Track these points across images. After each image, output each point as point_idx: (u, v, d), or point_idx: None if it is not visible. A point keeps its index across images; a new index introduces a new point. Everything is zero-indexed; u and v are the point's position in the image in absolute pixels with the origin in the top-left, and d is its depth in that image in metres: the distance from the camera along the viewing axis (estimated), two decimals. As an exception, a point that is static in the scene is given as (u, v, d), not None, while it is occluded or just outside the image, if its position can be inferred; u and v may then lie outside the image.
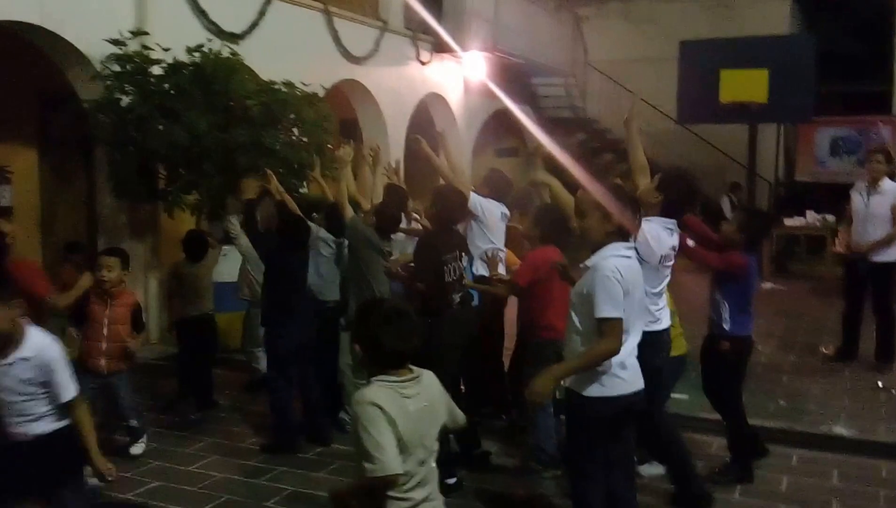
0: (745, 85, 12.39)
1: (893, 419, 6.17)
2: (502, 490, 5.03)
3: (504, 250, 6.35)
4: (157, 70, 7.58)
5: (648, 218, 4.41)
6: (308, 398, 5.93)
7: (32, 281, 5.04)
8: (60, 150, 9.62)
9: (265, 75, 8.77)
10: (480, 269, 5.96)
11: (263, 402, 6.22)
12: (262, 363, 6.70)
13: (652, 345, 4.18)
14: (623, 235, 3.64)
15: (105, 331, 5.35)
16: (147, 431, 5.75)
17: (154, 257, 8.53)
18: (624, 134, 5.14)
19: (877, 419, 6.20)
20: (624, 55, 16.62)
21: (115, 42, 7.49)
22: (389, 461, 2.60)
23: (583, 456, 3.76)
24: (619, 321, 3.49)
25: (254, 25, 9.36)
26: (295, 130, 7.93)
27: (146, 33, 7.81)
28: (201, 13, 8.69)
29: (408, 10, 12.67)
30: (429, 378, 2.86)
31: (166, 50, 7.64)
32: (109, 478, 3.77)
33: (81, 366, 5.09)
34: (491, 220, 6.17)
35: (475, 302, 5.48)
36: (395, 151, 12.49)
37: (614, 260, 3.55)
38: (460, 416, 3.03)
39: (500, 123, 15.29)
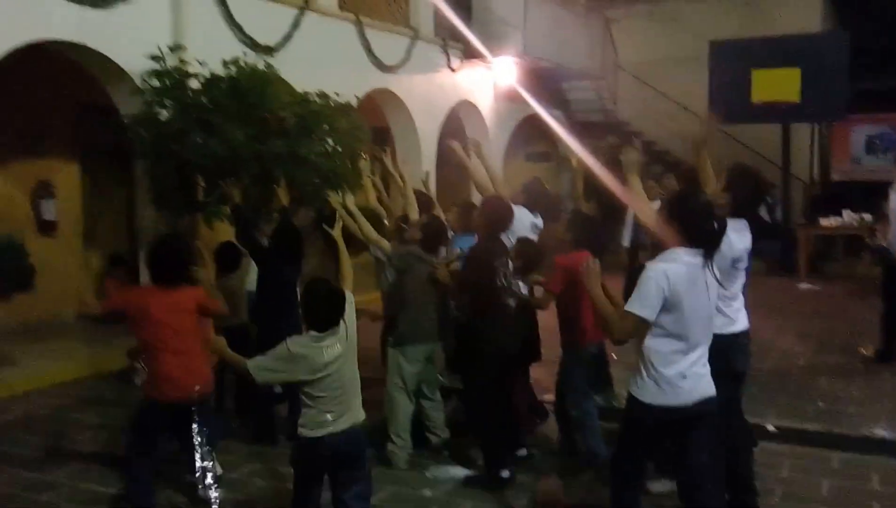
0: (777, 84, 12.37)
1: (935, 421, 6.12)
2: (550, 490, 5.05)
3: None
4: (194, 84, 7.75)
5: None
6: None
7: None
8: (101, 164, 9.85)
9: (299, 86, 8.93)
10: None
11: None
12: None
13: (729, 347, 4.18)
14: (690, 241, 3.66)
15: None
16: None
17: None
18: (687, 151, 5.12)
19: (918, 420, 6.15)
20: (654, 56, 16.58)
21: (154, 58, 7.66)
22: None
23: (631, 462, 3.80)
24: (635, 317, 3.55)
25: (287, 38, 9.53)
26: (329, 140, 8.06)
27: (184, 48, 7.97)
28: (237, 27, 8.87)
29: (438, 17, 12.78)
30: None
31: (203, 64, 7.81)
32: None
33: None
34: (519, 228, 6.21)
35: None
36: (427, 158, 12.61)
37: (664, 264, 3.60)
38: None
39: (531, 127, 15.32)
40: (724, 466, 4.23)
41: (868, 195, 12.97)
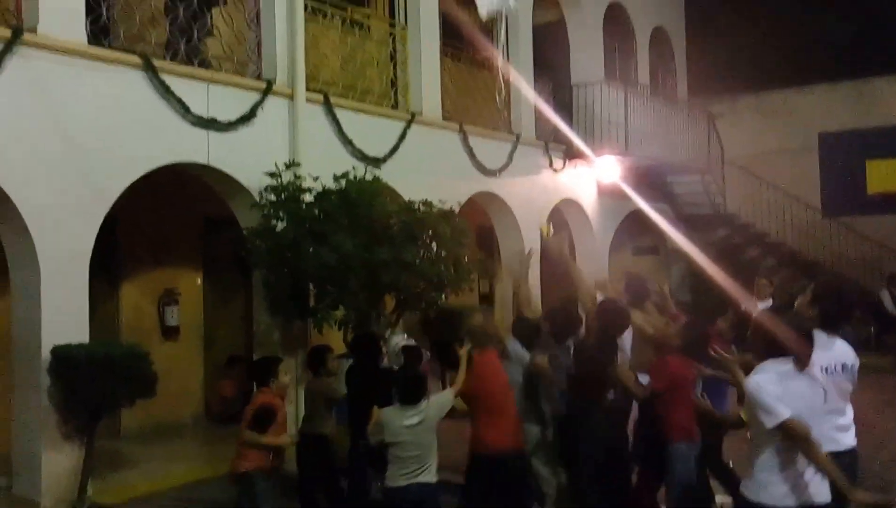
0: (893, 175, 12.04)
1: None
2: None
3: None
4: (307, 197, 8.24)
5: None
6: None
7: None
8: (222, 272, 10.47)
9: (405, 193, 9.35)
10: None
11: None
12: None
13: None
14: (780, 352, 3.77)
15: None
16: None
17: (305, 372, 9.03)
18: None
19: None
20: (761, 148, 16.45)
21: (272, 174, 8.20)
22: None
23: None
24: (790, 420, 3.62)
25: (395, 149, 10.01)
26: (433, 245, 8.37)
27: (298, 164, 8.51)
28: (348, 142, 9.40)
29: (539, 120, 13.14)
30: None
31: (316, 179, 8.31)
32: None
33: None
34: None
35: None
36: (532, 257, 12.75)
37: (757, 376, 3.69)
38: None
39: (637, 221, 15.31)
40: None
41: None
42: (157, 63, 7.63)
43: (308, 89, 9.00)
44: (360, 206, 7.96)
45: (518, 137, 12.53)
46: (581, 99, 14.02)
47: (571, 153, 13.61)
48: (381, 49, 10.77)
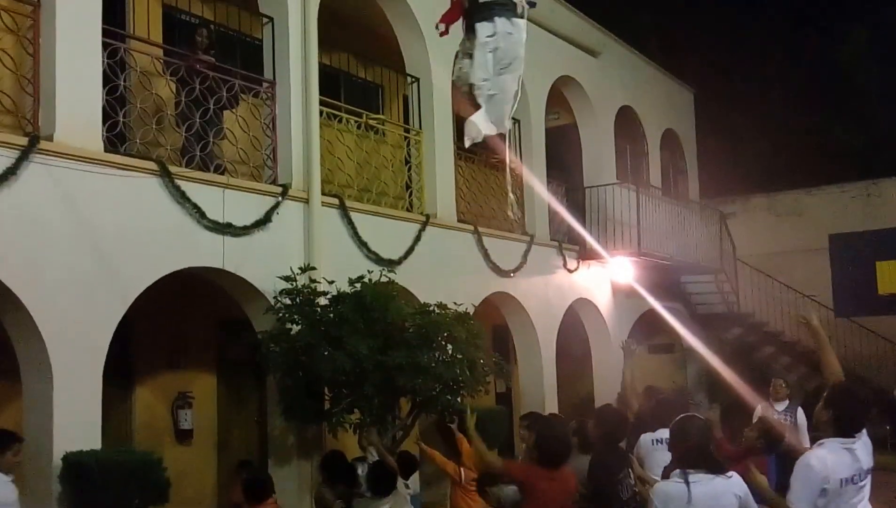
0: (902, 276, 12.03)
1: None
2: None
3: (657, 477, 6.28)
4: (322, 300, 8.25)
5: (822, 441, 4.35)
6: None
7: None
8: (236, 375, 10.40)
9: (420, 295, 9.36)
10: None
11: None
12: None
13: None
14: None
15: None
16: None
17: (320, 476, 8.86)
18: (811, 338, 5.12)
19: None
20: (773, 248, 16.53)
21: (287, 278, 8.24)
22: None
23: None
24: None
25: (410, 251, 10.06)
26: (449, 348, 8.32)
27: (314, 268, 8.54)
28: (363, 245, 9.46)
29: (553, 221, 13.26)
30: None
31: (331, 283, 8.34)
32: None
33: None
34: (638, 453, 6.19)
35: None
36: (546, 355, 12.70)
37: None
38: None
39: (652, 320, 15.26)
40: None
41: None
42: (173, 169, 7.73)
43: (323, 193, 9.11)
44: (375, 309, 7.94)
45: (532, 238, 12.61)
46: (594, 200, 14.19)
47: (585, 253, 13.69)
48: (396, 153, 10.98)
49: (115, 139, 7.60)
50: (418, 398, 8.18)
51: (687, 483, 4.10)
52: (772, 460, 7.59)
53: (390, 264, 9.64)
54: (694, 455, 4.23)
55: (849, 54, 22.42)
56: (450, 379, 8.14)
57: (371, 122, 10.51)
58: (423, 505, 9.50)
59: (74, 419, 6.76)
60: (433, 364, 7.97)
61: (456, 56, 5.49)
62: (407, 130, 11.14)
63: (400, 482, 6.44)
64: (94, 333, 7.02)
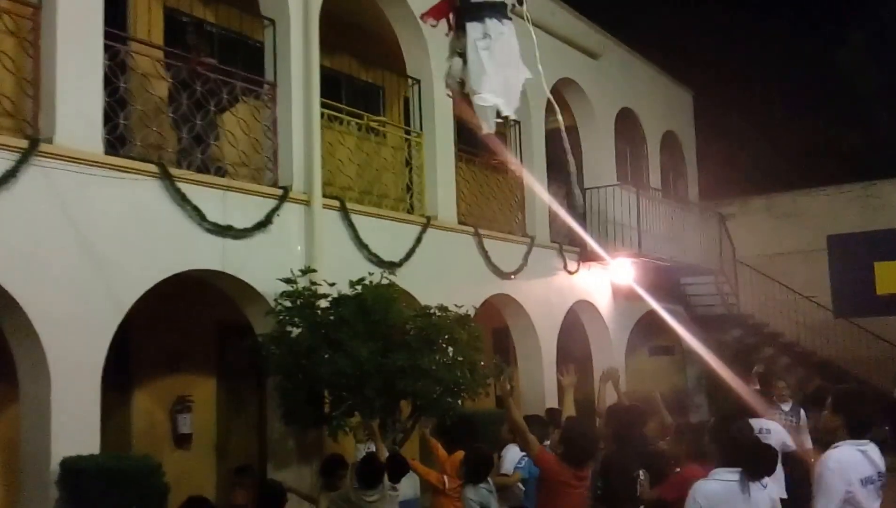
0: (901, 276, 12.03)
1: None
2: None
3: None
4: (323, 303, 8.20)
5: (836, 444, 4.35)
6: None
7: None
8: (236, 379, 10.34)
9: (421, 297, 9.32)
10: None
11: None
12: None
13: None
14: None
15: None
16: None
17: (320, 480, 8.82)
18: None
19: None
20: (772, 249, 16.52)
21: (287, 281, 8.20)
22: None
23: None
24: None
25: (410, 253, 10.02)
26: (449, 350, 8.28)
27: (314, 270, 8.50)
28: (363, 247, 9.42)
29: (553, 223, 13.23)
30: None
31: (332, 285, 8.29)
32: None
33: None
34: None
35: None
36: (547, 356, 12.67)
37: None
38: None
39: (653, 322, 15.24)
40: None
41: None
42: (173, 171, 7.69)
43: (324, 195, 9.07)
44: (375, 312, 7.91)
45: (533, 240, 12.58)
46: (594, 202, 14.15)
47: (586, 255, 13.66)
48: (397, 155, 10.95)
49: (116, 142, 7.56)
50: (419, 402, 8.15)
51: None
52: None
53: (391, 266, 9.60)
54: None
55: (847, 56, 22.45)
56: (451, 382, 8.13)
57: (372, 124, 10.49)
58: (422, 508, 9.44)
59: (72, 424, 6.70)
60: (434, 367, 7.95)
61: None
62: (408, 132, 11.11)
63: (386, 482, 6.39)
64: (93, 336, 6.98)
